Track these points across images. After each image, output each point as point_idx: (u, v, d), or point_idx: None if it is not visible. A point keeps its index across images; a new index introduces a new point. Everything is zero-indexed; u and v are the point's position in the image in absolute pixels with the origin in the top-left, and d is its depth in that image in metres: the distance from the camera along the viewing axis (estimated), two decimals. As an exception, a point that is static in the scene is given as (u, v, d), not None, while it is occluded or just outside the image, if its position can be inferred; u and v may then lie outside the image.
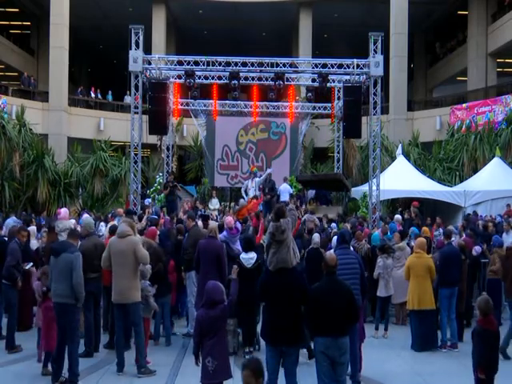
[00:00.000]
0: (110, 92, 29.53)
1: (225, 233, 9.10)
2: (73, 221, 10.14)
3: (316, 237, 9.44)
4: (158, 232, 10.14)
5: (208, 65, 15.51)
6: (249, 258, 7.96)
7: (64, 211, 9.62)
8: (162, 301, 8.43)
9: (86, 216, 12.31)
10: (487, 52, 26.82)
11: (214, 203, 17.83)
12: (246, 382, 3.83)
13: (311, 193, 19.03)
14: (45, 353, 7.07)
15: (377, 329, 9.24)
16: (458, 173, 20.53)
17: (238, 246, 9.00)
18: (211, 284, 5.30)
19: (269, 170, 17.47)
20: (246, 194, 16.61)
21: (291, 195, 16.25)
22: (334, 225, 13.81)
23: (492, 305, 5.62)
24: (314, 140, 25.88)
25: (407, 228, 12.78)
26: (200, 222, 10.08)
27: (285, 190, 16.86)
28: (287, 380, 5.54)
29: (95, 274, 7.70)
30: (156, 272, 8.08)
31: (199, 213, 14.42)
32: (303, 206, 16.77)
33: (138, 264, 7.08)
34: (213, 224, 8.37)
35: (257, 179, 16.76)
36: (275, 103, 20.12)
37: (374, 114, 15.89)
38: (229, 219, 9.46)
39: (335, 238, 9.40)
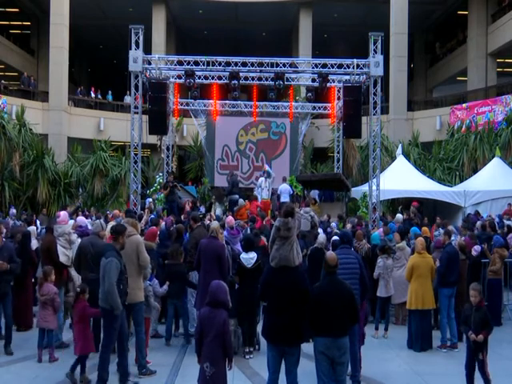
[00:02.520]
0: (109, 92, 29.55)
1: (225, 233, 9.10)
2: (72, 222, 10.00)
3: (321, 237, 9.48)
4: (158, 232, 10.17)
5: (208, 65, 15.50)
6: (249, 257, 7.96)
7: (63, 214, 9.21)
8: (175, 301, 8.48)
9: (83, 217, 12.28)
10: (487, 52, 26.84)
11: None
12: None
13: (314, 193, 19.06)
14: (77, 357, 6.71)
15: (377, 329, 9.23)
16: (457, 173, 20.54)
17: (238, 247, 8.99)
18: (215, 284, 5.28)
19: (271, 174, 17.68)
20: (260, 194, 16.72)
21: (291, 196, 16.28)
22: (334, 224, 13.82)
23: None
24: (314, 140, 25.89)
25: (407, 227, 12.75)
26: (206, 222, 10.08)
27: (285, 191, 16.88)
28: (288, 379, 5.55)
29: (94, 274, 7.61)
30: (176, 272, 8.19)
31: (200, 211, 14.49)
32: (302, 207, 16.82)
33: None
34: (214, 224, 8.35)
35: (270, 180, 16.87)
36: (275, 103, 20.14)
37: (374, 114, 15.89)
38: (229, 219, 9.45)
39: (334, 238, 9.43)
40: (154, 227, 9.06)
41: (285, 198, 16.41)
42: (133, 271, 6.94)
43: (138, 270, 7.00)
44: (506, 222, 14.30)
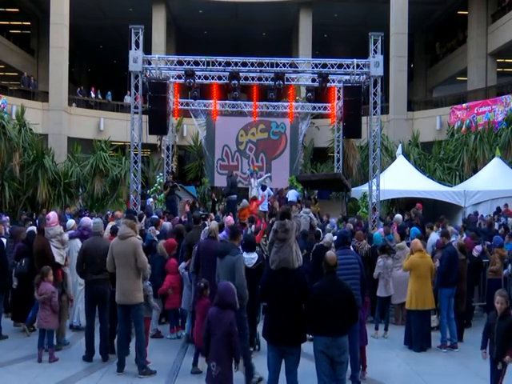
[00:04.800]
0: (109, 92, 29.55)
1: (224, 233, 9.08)
2: (72, 222, 9.98)
3: (328, 236, 9.50)
4: (158, 232, 10.18)
5: (208, 65, 15.50)
6: (250, 257, 7.94)
7: (53, 216, 8.85)
8: None
9: (89, 218, 12.23)
10: (487, 52, 26.84)
11: None
12: None
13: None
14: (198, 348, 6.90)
15: (377, 329, 9.23)
16: (457, 173, 20.55)
17: (238, 245, 8.98)
18: (223, 285, 5.40)
19: (267, 175, 18.24)
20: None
21: (298, 199, 16.46)
22: (332, 220, 13.79)
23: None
24: (314, 140, 25.90)
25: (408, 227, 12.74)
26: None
27: (293, 195, 17.02)
28: (288, 379, 5.57)
29: (99, 275, 7.47)
30: None
31: (200, 212, 14.44)
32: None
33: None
34: (213, 224, 8.34)
35: (258, 180, 16.89)
36: (275, 103, 20.11)
37: (374, 114, 15.88)
38: (229, 219, 9.45)
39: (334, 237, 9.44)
40: (173, 240, 9.07)
41: (291, 198, 16.50)
42: (131, 273, 6.95)
43: (137, 272, 7.00)
44: (502, 221, 14.33)
